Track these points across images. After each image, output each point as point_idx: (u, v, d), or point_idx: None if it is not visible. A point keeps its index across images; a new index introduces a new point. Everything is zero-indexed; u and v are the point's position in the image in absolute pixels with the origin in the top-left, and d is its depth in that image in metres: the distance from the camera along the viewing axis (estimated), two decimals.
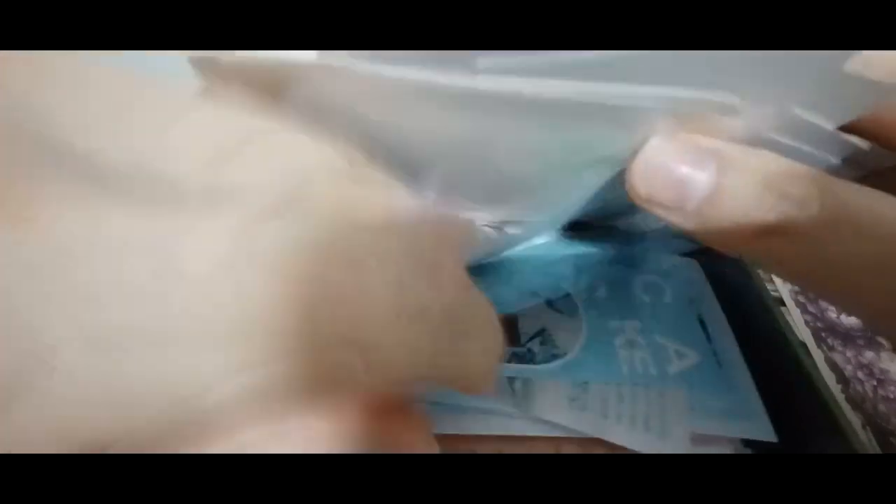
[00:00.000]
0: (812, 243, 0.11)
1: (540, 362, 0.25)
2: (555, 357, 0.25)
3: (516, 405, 0.23)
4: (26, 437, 0.07)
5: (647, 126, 0.12)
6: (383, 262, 0.10)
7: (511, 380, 0.23)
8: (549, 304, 0.27)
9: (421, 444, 0.11)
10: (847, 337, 0.33)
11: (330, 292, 0.09)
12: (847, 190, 0.11)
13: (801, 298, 0.34)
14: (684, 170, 0.12)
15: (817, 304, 0.34)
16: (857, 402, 0.29)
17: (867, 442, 0.27)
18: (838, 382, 0.30)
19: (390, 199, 0.11)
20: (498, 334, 0.11)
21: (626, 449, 0.22)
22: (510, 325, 0.26)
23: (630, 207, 0.13)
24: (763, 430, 0.24)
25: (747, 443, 0.24)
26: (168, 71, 0.10)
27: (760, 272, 0.29)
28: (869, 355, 0.32)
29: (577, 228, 0.23)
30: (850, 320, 0.33)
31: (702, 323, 0.28)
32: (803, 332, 0.33)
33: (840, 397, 0.29)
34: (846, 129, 0.14)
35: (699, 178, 0.12)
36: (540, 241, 0.23)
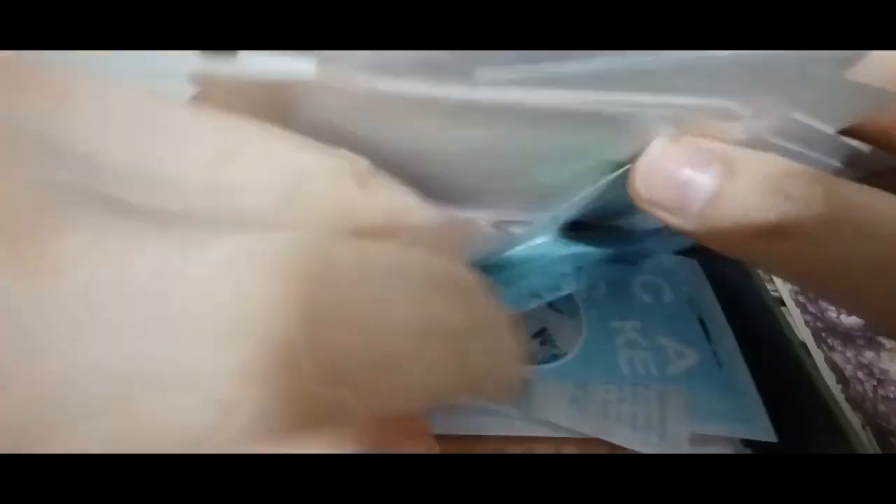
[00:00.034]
0: (812, 243, 0.11)
1: (540, 362, 0.25)
2: (555, 357, 0.25)
3: (516, 405, 0.23)
4: None
5: (649, 131, 0.12)
6: (384, 263, 0.10)
7: None
8: (550, 303, 0.27)
9: (422, 448, 0.11)
10: (847, 337, 0.33)
11: (330, 293, 0.09)
12: (847, 189, 0.11)
13: (801, 298, 0.34)
14: (686, 172, 0.12)
15: (817, 304, 0.34)
16: (857, 402, 0.29)
17: (867, 442, 0.27)
18: (838, 382, 0.30)
19: (390, 199, 0.11)
20: (514, 339, 0.11)
21: (626, 449, 0.22)
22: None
23: (630, 207, 0.13)
24: (763, 431, 0.24)
25: (747, 443, 0.24)
26: (168, 71, 0.10)
27: (760, 272, 0.29)
28: (869, 355, 0.32)
29: (577, 228, 0.23)
30: (850, 320, 0.33)
31: (702, 323, 0.28)
32: (803, 332, 0.33)
33: (840, 397, 0.29)
34: (846, 132, 0.14)
35: (701, 180, 0.12)
36: (540, 241, 0.23)
